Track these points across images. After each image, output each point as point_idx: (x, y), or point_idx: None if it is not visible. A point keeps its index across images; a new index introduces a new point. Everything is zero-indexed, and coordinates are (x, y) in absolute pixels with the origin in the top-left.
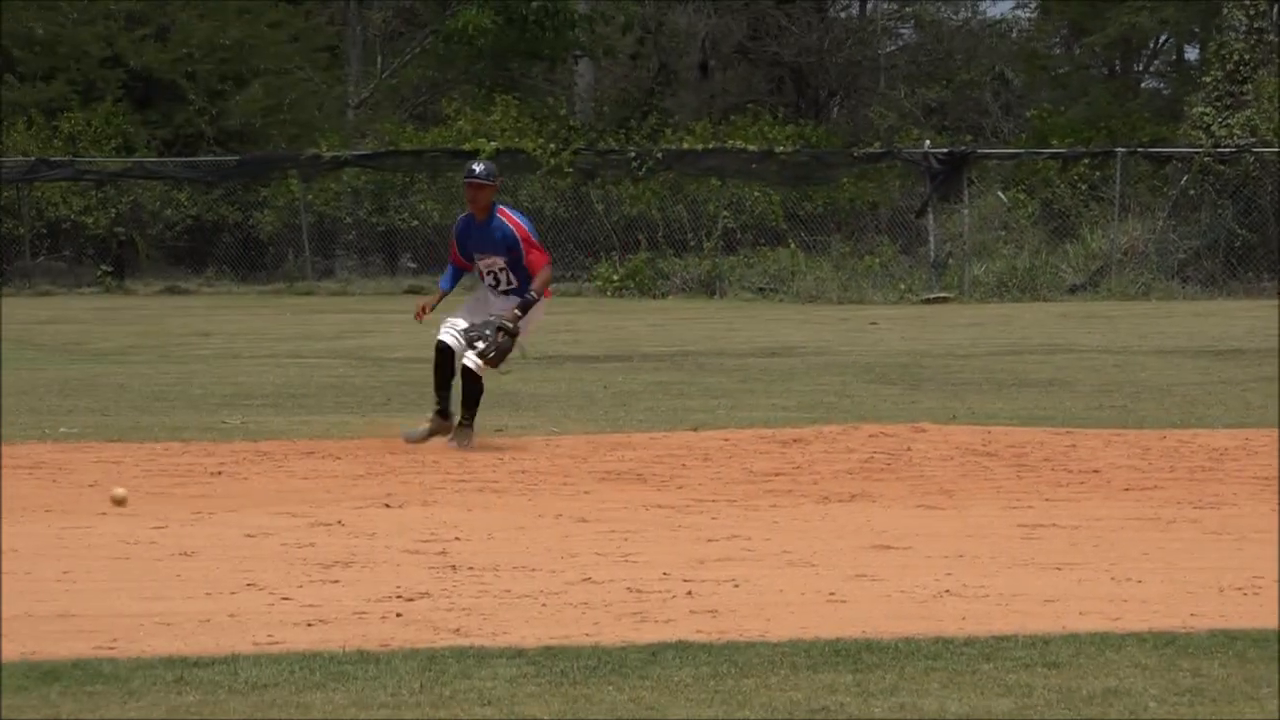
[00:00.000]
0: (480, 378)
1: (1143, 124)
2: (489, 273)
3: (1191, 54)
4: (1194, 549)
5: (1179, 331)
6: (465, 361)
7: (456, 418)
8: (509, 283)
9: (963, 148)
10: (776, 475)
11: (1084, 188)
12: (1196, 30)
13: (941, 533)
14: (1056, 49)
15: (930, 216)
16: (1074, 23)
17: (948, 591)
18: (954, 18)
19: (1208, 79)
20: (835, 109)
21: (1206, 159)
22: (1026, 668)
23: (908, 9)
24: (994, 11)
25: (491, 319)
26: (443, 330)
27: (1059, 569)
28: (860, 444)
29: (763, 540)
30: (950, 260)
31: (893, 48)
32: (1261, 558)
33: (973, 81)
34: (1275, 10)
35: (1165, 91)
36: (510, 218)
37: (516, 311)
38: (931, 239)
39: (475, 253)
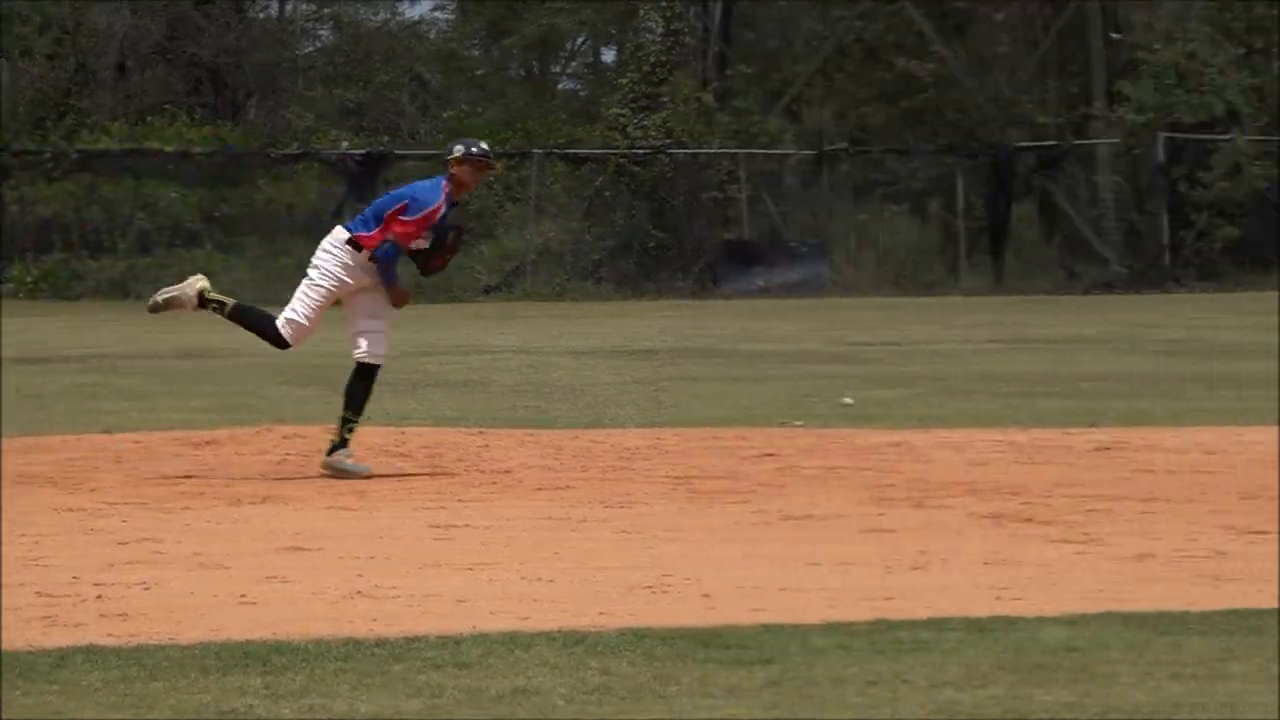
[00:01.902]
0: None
1: (559, 125)
2: None
3: (609, 56)
4: (604, 548)
5: (593, 332)
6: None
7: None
8: None
9: (380, 148)
10: (188, 478)
11: (500, 189)
12: (614, 32)
13: (353, 534)
14: (474, 50)
15: (346, 217)
16: (492, 24)
17: (359, 593)
18: (373, 19)
19: (624, 81)
20: (253, 110)
21: (622, 160)
22: (437, 668)
23: (326, 10)
24: (412, 12)
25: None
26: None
27: (470, 569)
28: (273, 446)
29: (174, 543)
30: None
31: (311, 49)
32: (670, 556)
33: (391, 83)
34: (691, 13)
35: (582, 93)
36: None
37: None
38: None
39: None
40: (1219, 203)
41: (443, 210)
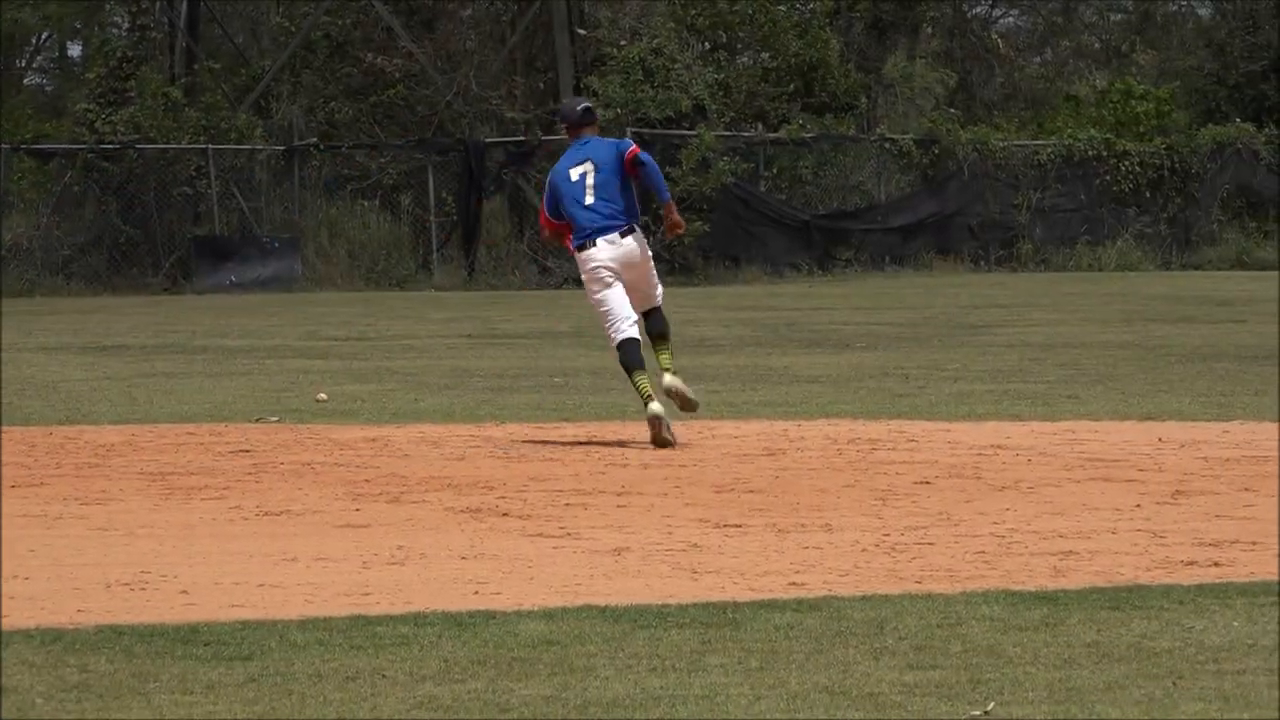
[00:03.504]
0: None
1: (26, 120)
2: None
3: (75, 51)
4: (81, 545)
5: (64, 328)
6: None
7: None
8: None
9: None
10: None
11: None
12: (80, 27)
13: None
14: None
15: None
16: None
17: None
18: None
19: (91, 76)
20: None
21: (90, 156)
22: None
23: None
24: None
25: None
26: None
27: None
28: None
29: None
30: None
31: None
32: (147, 553)
33: None
34: (158, 8)
35: (49, 88)
36: None
37: None
38: None
39: None
40: (688, 198)
41: None
